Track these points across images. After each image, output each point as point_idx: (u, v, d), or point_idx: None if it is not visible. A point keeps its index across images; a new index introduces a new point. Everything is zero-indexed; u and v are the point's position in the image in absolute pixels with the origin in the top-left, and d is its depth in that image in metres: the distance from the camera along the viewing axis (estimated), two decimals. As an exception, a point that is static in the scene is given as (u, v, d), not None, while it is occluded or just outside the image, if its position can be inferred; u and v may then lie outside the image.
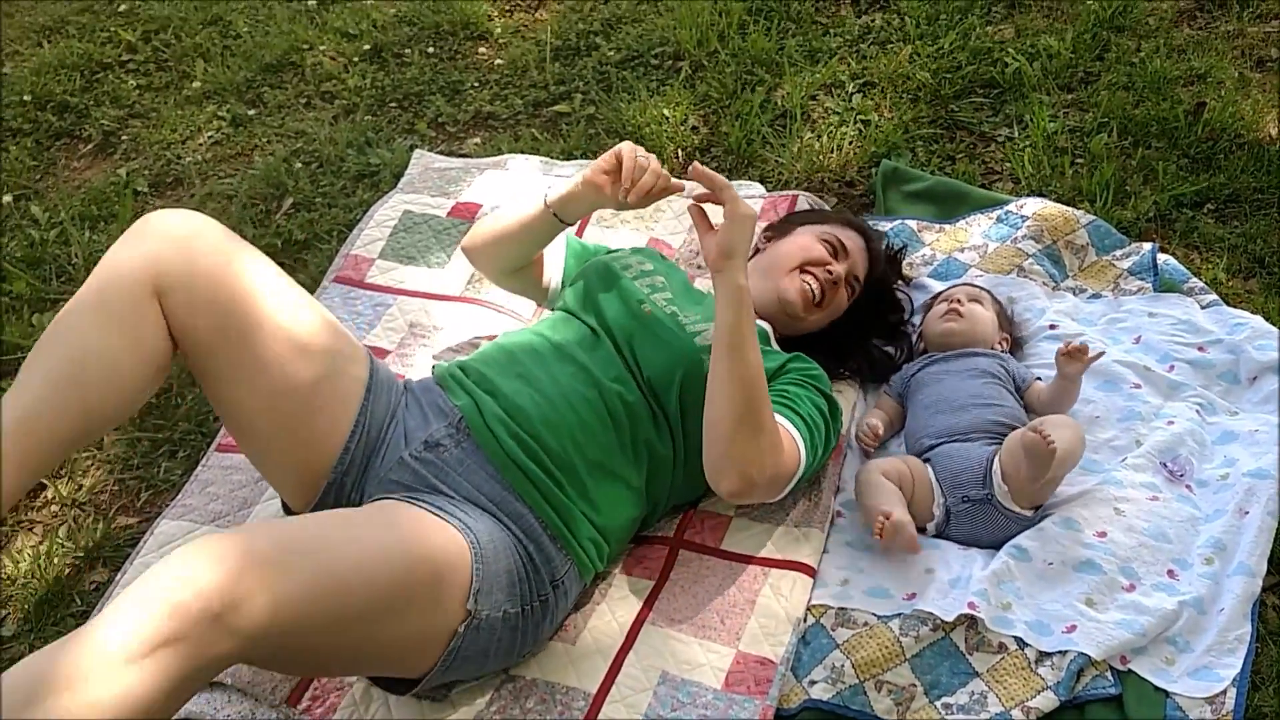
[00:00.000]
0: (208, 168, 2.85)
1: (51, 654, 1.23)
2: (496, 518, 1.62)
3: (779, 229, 2.13)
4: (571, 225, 1.89)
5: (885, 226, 2.40)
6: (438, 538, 1.52)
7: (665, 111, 2.77)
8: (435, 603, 1.49)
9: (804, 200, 2.35)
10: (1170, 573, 1.72)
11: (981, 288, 2.16)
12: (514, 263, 1.99)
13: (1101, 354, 1.95)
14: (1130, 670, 1.61)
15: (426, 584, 1.47)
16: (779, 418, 1.72)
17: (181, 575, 1.25)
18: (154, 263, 1.57)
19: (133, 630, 1.21)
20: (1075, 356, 1.87)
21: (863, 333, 2.08)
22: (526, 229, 1.90)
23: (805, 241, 2.01)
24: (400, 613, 1.45)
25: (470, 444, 1.67)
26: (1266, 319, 2.07)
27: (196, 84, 3.11)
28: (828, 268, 1.97)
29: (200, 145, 2.93)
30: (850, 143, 2.63)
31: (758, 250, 2.12)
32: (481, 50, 3.16)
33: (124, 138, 2.98)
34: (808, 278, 1.96)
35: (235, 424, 1.69)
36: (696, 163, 1.68)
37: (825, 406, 1.82)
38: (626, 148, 1.71)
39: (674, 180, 1.73)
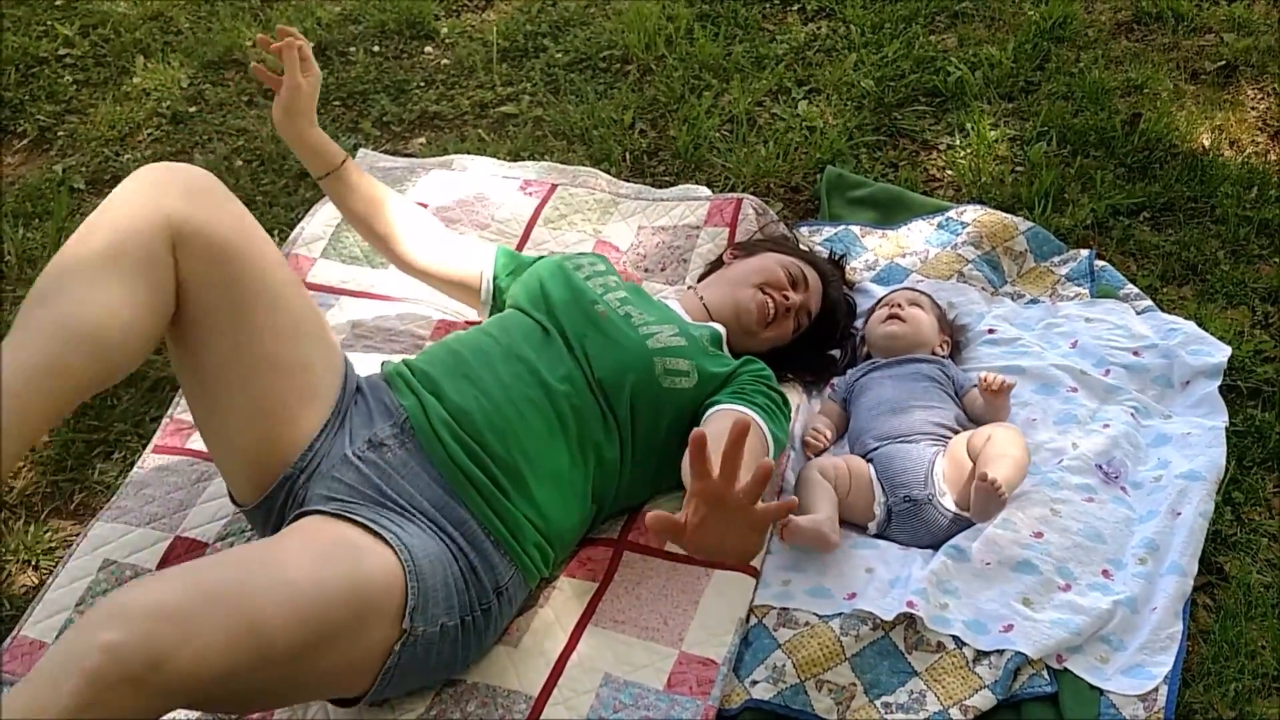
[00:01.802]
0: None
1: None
2: (437, 525, 1.60)
3: (747, 248, 2.18)
4: (326, 168, 1.97)
5: (829, 231, 2.42)
6: (369, 561, 1.47)
7: (613, 114, 2.78)
8: (366, 628, 1.44)
9: (748, 205, 2.36)
10: (1105, 573, 1.75)
11: (921, 292, 2.18)
12: (371, 230, 2.04)
13: (1014, 384, 1.97)
14: (1066, 669, 1.63)
15: (356, 612, 1.42)
16: (737, 406, 1.74)
17: (96, 642, 1.19)
18: (172, 214, 1.53)
19: (52, 705, 1.17)
20: (997, 392, 1.92)
21: (801, 356, 2.12)
22: (334, 203, 2.05)
23: (770, 264, 2.06)
24: (330, 644, 1.40)
25: (414, 445, 1.65)
26: (1199, 324, 2.12)
27: (136, 80, 3.06)
28: (785, 294, 2.02)
29: (140, 142, 2.88)
30: (796, 149, 2.65)
31: (723, 263, 2.17)
32: (428, 50, 3.14)
33: (60, 134, 2.92)
34: (766, 297, 2.00)
35: (208, 397, 1.63)
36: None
37: (780, 399, 1.85)
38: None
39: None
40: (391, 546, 1.50)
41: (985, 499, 1.73)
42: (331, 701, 1.59)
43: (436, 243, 2.05)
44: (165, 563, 1.82)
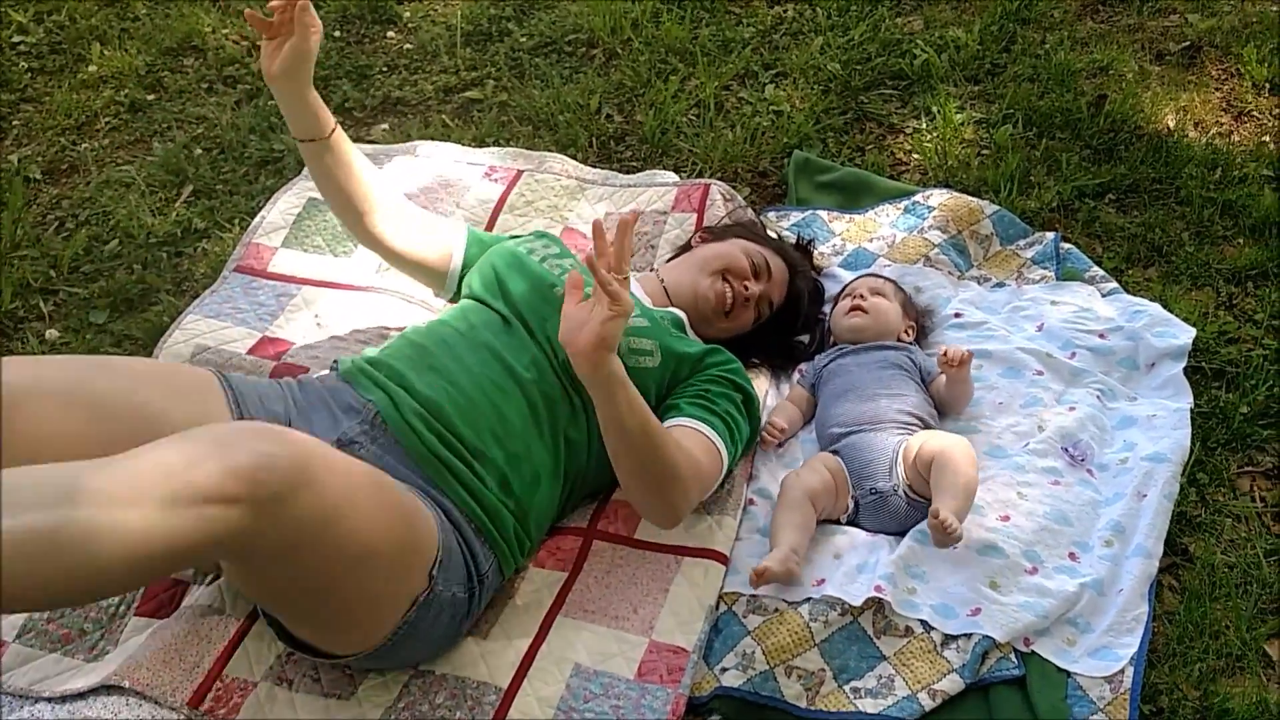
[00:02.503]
0: (104, 154, 2.75)
1: (95, 466, 1.20)
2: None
3: (716, 233, 2.16)
4: (317, 133, 1.85)
5: (796, 216, 2.42)
6: (414, 502, 1.53)
7: (579, 99, 2.75)
8: (409, 566, 1.49)
9: (716, 190, 2.35)
10: (1071, 555, 1.75)
11: (884, 277, 2.18)
12: (349, 204, 1.92)
13: (972, 354, 1.96)
14: (1033, 652, 1.64)
15: (413, 539, 1.49)
16: (697, 424, 1.75)
17: (261, 450, 1.26)
18: None
19: (194, 479, 1.20)
20: (957, 365, 1.91)
21: (765, 344, 2.11)
22: (316, 173, 1.90)
23: (733, 251, 2.04)
24: (390, 557, 1.45)
25: (387, 440, 1.63)
26: (1164, 306, 2.13)
27: (93, 68, 3.01)
28: (745, 283, 2.00)
29: (97, 131, 2.83)
30: (763, 133, 2.64)
31: (690, 246, 2.16)
32: (390, 34, 3.10)
33: (15, 123, 2.87)
34: (726, 286, 1.99)
35: None
36: (626, 219, 1.56)
37: (741, 400, 1.84)
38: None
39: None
40: (421, 502, 1.55)
41: (940, 536, 1.69)
42: (327, 655, 1.56)
43: (411, 225, 1.98)
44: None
